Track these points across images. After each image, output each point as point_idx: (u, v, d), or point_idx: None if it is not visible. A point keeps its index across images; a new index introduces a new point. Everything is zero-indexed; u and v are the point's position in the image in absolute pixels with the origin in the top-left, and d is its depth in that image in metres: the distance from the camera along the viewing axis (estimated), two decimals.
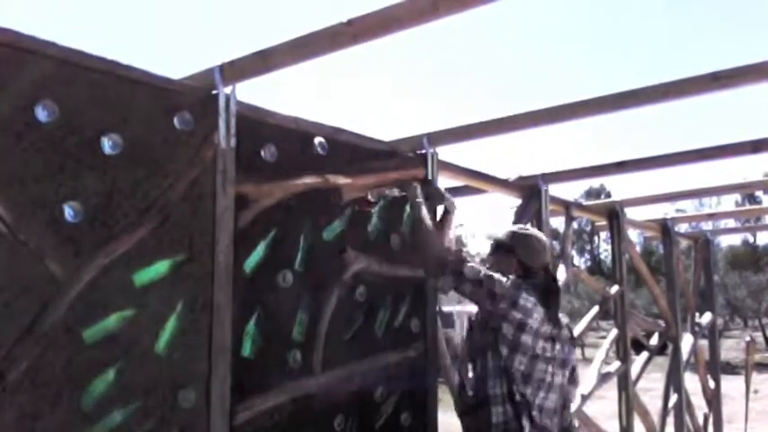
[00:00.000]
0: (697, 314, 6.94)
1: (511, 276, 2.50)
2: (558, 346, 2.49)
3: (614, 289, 5.05)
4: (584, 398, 4.48)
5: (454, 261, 2.51)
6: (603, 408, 8.46)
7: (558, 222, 4.85)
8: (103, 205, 1.91)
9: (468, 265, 2.49)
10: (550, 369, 2.45)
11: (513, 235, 2.68)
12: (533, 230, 2.76)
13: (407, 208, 3.02)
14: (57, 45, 1.84)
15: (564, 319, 2.61)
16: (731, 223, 31.50)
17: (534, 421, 2.38)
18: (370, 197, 2.82)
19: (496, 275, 2.47)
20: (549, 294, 2.53)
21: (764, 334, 24.81)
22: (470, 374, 2.51)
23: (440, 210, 3.03)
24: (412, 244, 2.98)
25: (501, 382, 2.41)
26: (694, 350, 6.46)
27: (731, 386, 11.34)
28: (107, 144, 1.92)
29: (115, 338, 1.91)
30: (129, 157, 1.98)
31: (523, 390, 2.39)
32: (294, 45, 2.14)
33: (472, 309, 2.66)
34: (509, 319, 2.39)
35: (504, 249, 2.67)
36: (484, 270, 2.49)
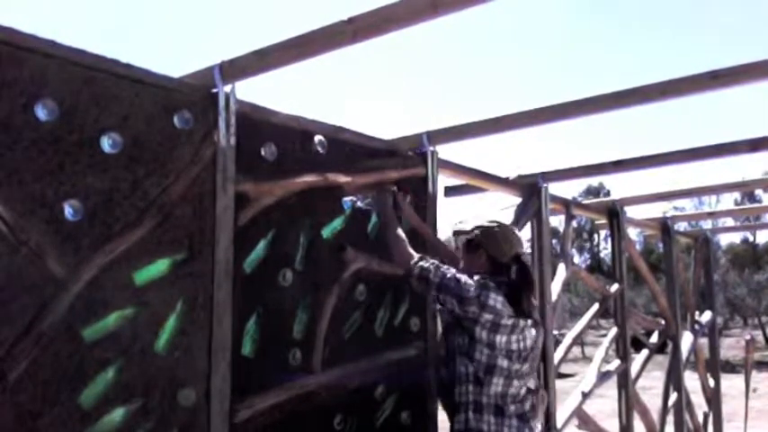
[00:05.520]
0: (697, 313, 6.94)
1: (476, 277, 2.47)
2: (528, 337, 2.50)
3: (614, 287, 5.06)
4: (584, 396, 4.49)
5: (420, 267, 2.50)
6: (603, 406, 8.48)
7: (557, 221, 4.86)
8: (103, 204, 1.91)
9: (434, 270, 2.47)
10: (518, 362, 2.47)
11: (479, 230, 2.63)
12: (500, 222, 2.69)
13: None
14: (57, 44, 1.84)
15: (534, 307, 2.58)
16: (730, 222, 31.56)
17: (499, 420, 2.41)
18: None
19: (463, 278, 2.45)
20: (521, 288, 2.50)
21: (764, 332, 24.82)
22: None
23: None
24: (411, 242, 2.97)
25: (467, 389, 2.44)
26: (694, 349, 6.47)
27: (731, 385, 11.35)
28: (107, 143, 1.92)
29: (115, 337, 1.91)
30: (129, 155, 1.98)
31: (495, 388, 2.41)
32: (294, 43, 2.14)
33: None
34: (481, 322, 2.40)
35: (471, 245, 2.65)
36: (450, 273, 2.47)
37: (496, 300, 2.40)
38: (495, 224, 2.65)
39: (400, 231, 2.66)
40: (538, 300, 3.98)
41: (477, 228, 2.65)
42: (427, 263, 2.52)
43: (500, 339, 2.41)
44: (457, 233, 2.77)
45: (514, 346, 2.44)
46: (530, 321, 2.51)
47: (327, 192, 2.64)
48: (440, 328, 3.17)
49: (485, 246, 2.60)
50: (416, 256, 2.57)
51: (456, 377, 2.48)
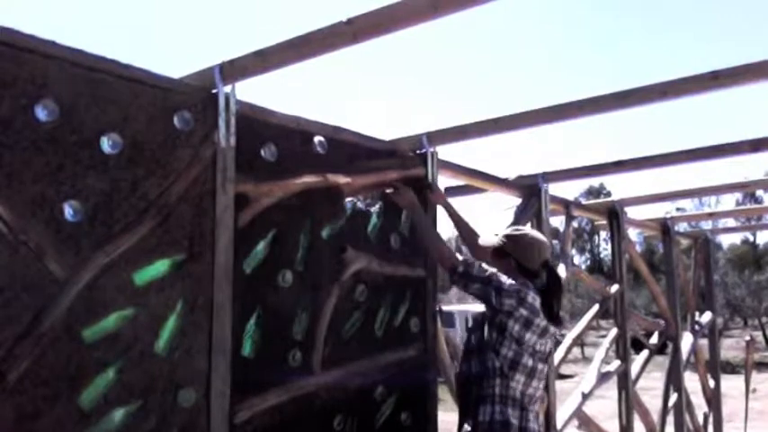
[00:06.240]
0: (697, 313, 6.93)
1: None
2: (551, 341, 2.58)
3: (614, 288, 5.05)
4: (585, 397, 4.48)
5: (462, 263, 2.53)
6: (603, 407, 8.47)
7: (557, 221, 4.85)
8: (103, 204, 1.91)
9: (478, 266, 2.52)
10: (540, 362, 2.51)
11: (507, 238, 2.66)
12: (528, 229, 2.74)
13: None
14: (57, 44, 1.84)
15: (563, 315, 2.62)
16: (730, 222, 31.51)
17: (523, 414, 2.43)
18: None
19: (504, 276, 2.49)
20: (551, 293, 2.54)
21: (764, 333, 24.82)
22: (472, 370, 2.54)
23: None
24: (412, 243, 2.98)
25: (494, 382, 2.44)
26: (694, 349, 6.46)
27: (731, 385, 11.35)
28: (107, 143, 1.92)
29: (115, 338, 1.91)
30: (129, 156, 1.98)
31: (516, 385, 2.43)
32: (294, 44, 2.14)
33: (472, 308, 2.66)
34: (516, 316, 2.43)
35: (500, 254, 2.66)
36: (492, 270, 2.51)
37: (535, 298, 2.45)
38: (522, 232, 2.69)
39: (437, 230, 2.73)
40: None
41: (504, 236, 2.68)
42: (471, 260, 2.57)
43: (529, 337, 2.44)
44: (482, 244, 2.81)
45: (539, 347, 2.49)
46: (557, 328, 2.56)
47: (327, 192, 2.63)
48: (458, 330, 3.16)
49: (513, 253, 2.62)
50: (460, 256, 2.60)
51: (484, 371, 2.47)
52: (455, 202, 4.42)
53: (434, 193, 3.12)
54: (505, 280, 2.46)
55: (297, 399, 2.42)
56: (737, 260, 35.30)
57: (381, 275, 2.83)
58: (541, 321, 2.47)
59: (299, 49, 2.15)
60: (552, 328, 2.52)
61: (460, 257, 2.59)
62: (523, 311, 2.43)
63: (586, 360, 18.62)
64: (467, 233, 3.04)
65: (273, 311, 2.38)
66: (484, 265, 2.54)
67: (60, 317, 1.79)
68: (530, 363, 2.45)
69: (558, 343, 4.55)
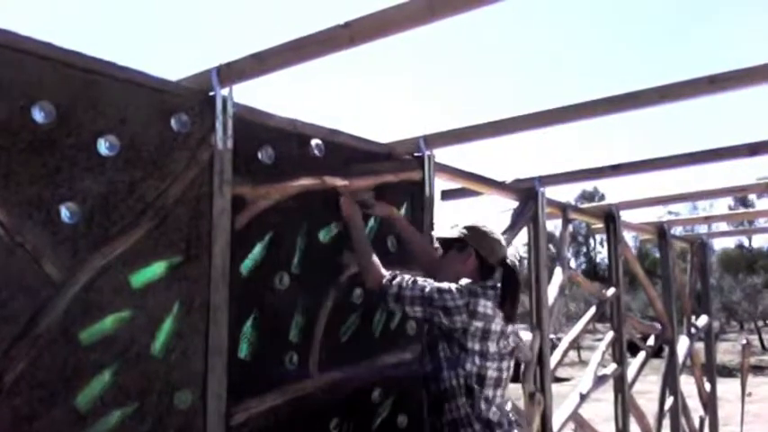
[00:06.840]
0: (693, 317, 6.95)
1: (463, 281, 2.40)
2: (512, 342, 2.48)
3: (610, 291, 5.06)
4: (581, 400, 4.49)
5: (397, 285, 2.36)
6: (600, 410, 8.48)
7: (551, 225, 4.86)
8: (100, 206, 1.91)
9: (411, 285, 2.35)
10: (505, 364, 2.44)
11: (471, 230, 2.54)
12: (488, 225, 2.61)
13: (402, 210, 3.03)
14: (54, 46, 1.84)
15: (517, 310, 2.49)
16: (723, 226, 31.57)
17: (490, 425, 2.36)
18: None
19: (446, 287, 2.34)
20: (506, 292, 2.44)
21: (760, 337, 24.87)
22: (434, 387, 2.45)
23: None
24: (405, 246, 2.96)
25: (461, 403, 2.36)
26: (690, 353, 6.47)
27: (727, 389, 11.38)
28: (104, 145, 1.92)
29: (111, 340, 1.90)
30: (126, 158, 1.98)
31: (484, 402, 2.35)
32: (291, 47, 2.14)
33: None
34: (471, 331, 2.33)
35: (459, 247, 2.55)
36: (430, 285, 2.35)
37: (486, 306, 2.34)
38: (485, 227, 2.58)
39: (371, 249, 2.53)
40: (536, 303, 3.98)
41: (465, 227, 2.56)
42: (402, 279, 2.39)
43: (490, 347, 2.36)
44: (440, 238, 2.67)
45: (504, 352, 2.42)
46: (515, 327, 2.49)
47: (324, 195, 2.64)
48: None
49: (476, 245, 2.51)
50: (388, 273, 2.43)
51: (448, 391, 2.37)
52: (452, 205, 4.46)
53: (376, 207, 2.81)
54: (448, 296, 2.31)
55: (293, 401, 2.42)
56: (731, 264, 35.39)
57: None
58: (497, 326, 2.36)
59: (297, 52, 2.15)
60: (510, 328, 2.44)
61: (388, 274, 2.40)
62: (477, 324, 2.31)
63: (583, 363, 18.64)
64: (421, 252, 2.84)
65: (270, 314, 2.38)
66: (419, 281, 2.37)
67: (57, 319, 1.79)
68: (495, 374, 2.39)
69: (554, 346, 4.57)
